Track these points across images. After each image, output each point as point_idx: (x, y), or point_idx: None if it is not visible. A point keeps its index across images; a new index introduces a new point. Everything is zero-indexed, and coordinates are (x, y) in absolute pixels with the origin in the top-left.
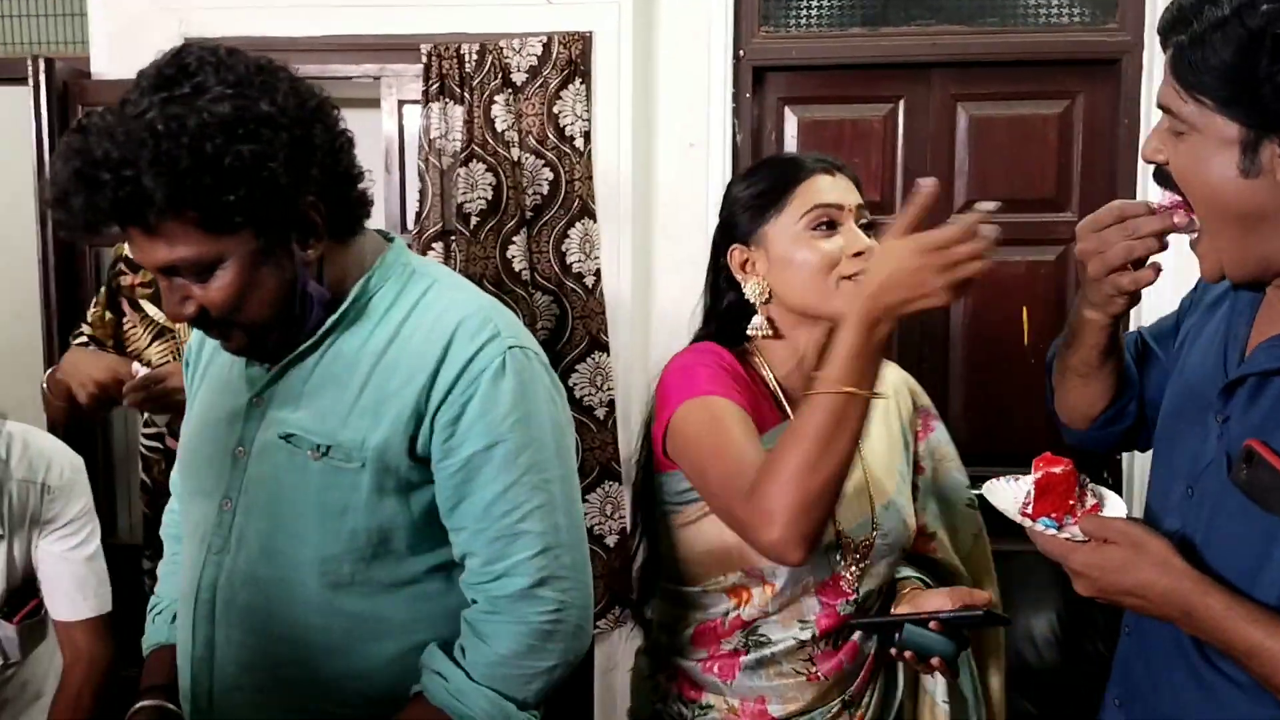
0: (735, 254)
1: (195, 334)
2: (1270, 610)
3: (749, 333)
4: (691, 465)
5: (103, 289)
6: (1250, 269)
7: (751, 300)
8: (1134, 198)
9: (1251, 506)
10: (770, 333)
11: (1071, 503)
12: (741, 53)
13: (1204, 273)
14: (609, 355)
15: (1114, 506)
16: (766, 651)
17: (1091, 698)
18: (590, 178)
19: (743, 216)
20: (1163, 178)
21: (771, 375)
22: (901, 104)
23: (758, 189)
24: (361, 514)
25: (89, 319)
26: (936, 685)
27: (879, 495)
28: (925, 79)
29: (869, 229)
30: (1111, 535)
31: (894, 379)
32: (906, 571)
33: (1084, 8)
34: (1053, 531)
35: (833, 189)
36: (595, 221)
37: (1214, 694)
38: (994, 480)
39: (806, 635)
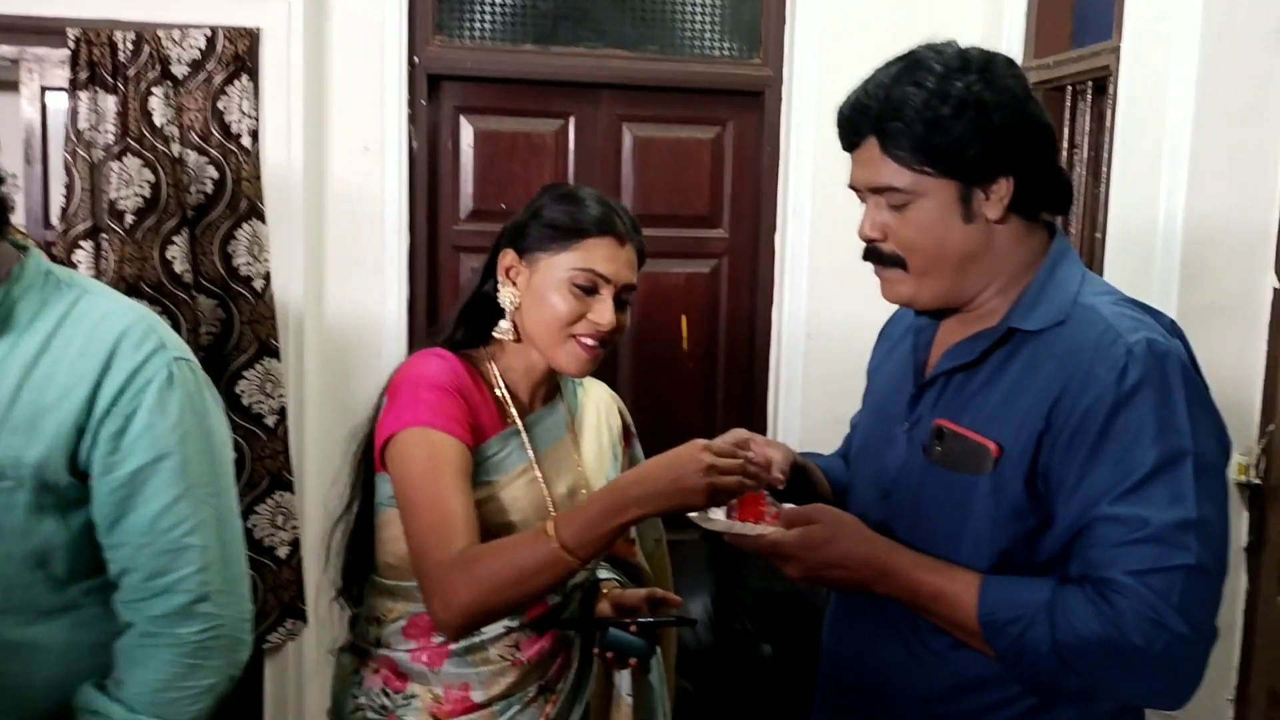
0: (507, 258)
1: None
2: (947, 562)
3: (495, 335)
4: (402, 496)
5: None
6: (945, 301)
7: (503, 305)
8: (776, 216)
9: (948, 475)
10: (514, 337)
11: (763, 508)
12: (416, 59)
13: (895, 299)
14: (279, 361)
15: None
16: (477, 639)
17: (740, 673)
18: (258, 177)
19: (533, 230)
20: (876, 254)
21: (501, 382)
22: (572, 121)
23: (557, 219)
24: (17, 536)
25: None
26: (622, 678)
27: None
28: (594, 98)
29: (623, 306)
30: (812, 515)
31: (603, 396)
32: (606, 573)
33: (732, 42)
34: (756, 529)
35: (611, 260)
36: (264, 223)
37: (924, 664)
38: (695, 514)
39: (515, 623)
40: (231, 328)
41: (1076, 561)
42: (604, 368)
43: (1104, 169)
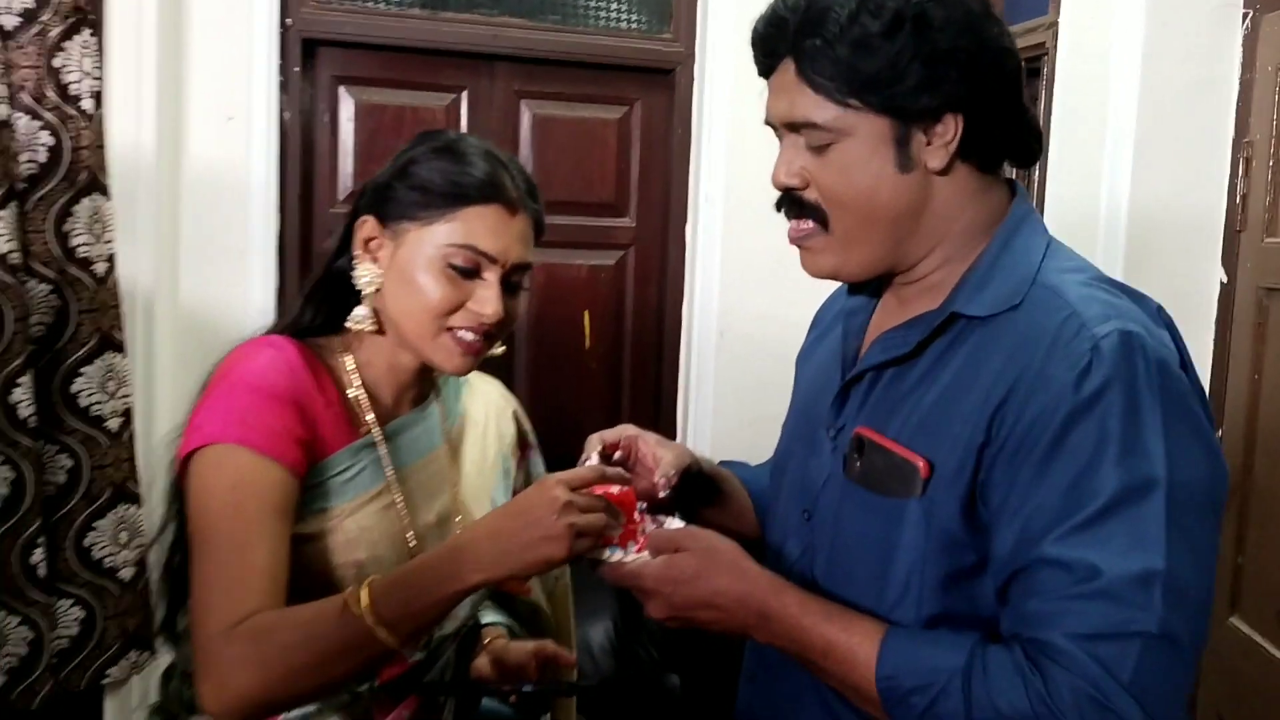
0: (367, 226)
1: None
2: (845, 608)
3: (349, 325)
4: (193, 534)
5: None
6: (878, 267)
7: (359, 284)
8: (687, 205)
9: (871, 499)
10: (374, 327)
11: (633, 527)
12: (289, 21)
13: (818, 272)
14: (124, 356)
15: (675, 525)
16: (312, 708)
17: (644, 706)
18: (101, 146)
19: (400, 191)
20: (793, 204)
21: (356, 379)
22: (464, 95)
23: (432, 180)
24: None
25: None
26: None
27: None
28: (489, 71)
29: (514, 290)
30: (681, 543)
31: (495, 398)
32: (491, 617)
33: (641, 15)
34: (619, 557)
35: (499, 234)
36: (108, 198)
37: None
38: None
39: (363, 686)
40: (67, 317)
41: (1009, 614)
42: (497, 365)
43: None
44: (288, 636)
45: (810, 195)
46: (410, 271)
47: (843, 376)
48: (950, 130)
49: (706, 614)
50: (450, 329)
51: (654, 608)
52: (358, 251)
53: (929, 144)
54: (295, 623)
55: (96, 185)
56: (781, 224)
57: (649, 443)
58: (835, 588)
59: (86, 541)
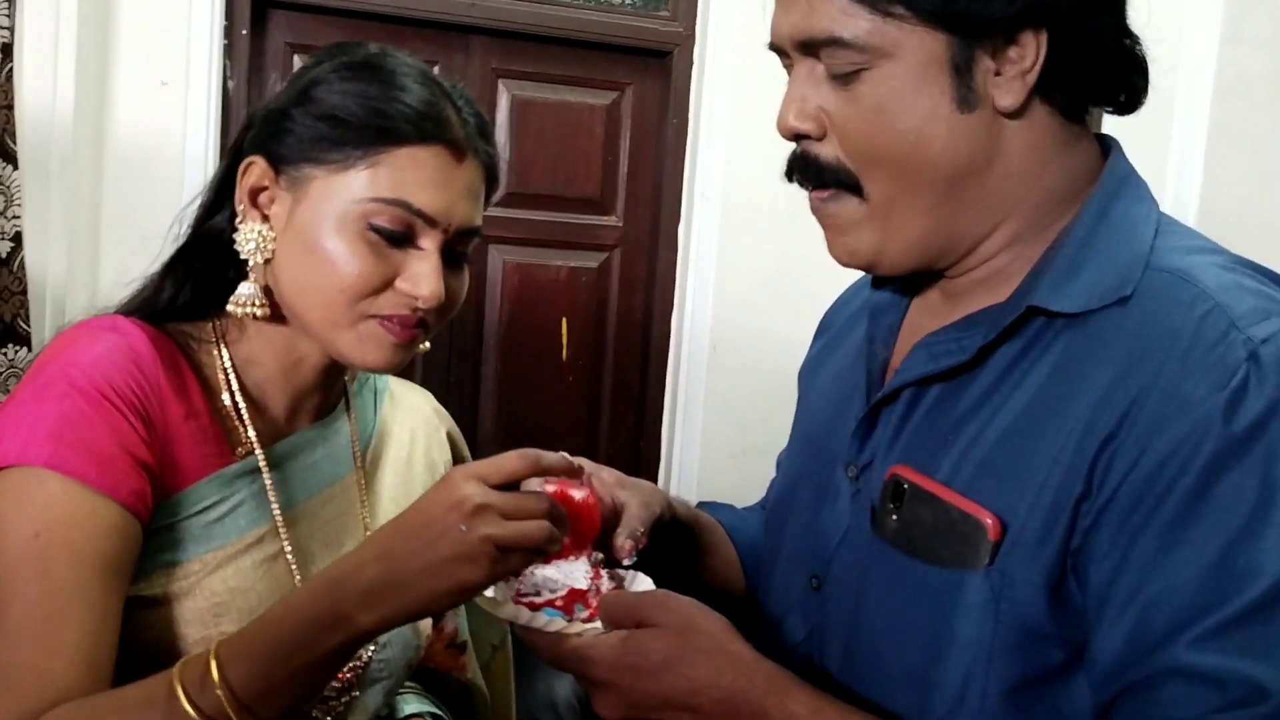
0: (254, 169)
1: None
2: (867, 713)
3: (229, 307)
4: None
5: None
6: (929, 250)
7: (240, 251)
8: (681, 203)
9: (913, 568)
10: (263, 311)
11: (584, 589)
12: None
13: (852, 258)
14: (29, 351)
15: (642, 584)
16: None
17: None
18: (10, 107)
19: (301, 123)
20: (806, 165)
21: (234, 382)
22: (435, 71)
23: (346, 105)
24: None
25: None
26: None
27: None
28: (464, 45)
29: (459, 263)
30: (648, 615)
31: (425, 413)
32: (414, 706)
33: None
34: (559, 625)
35: (441, 189)
36: (16, 168)
37: None
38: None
39: None
40: None
41: None
42: (460, 379)
43: None
44: None
45: (827, 150)
46: (315, 235)
47: (869, 396)
48: (1030, 54)
49: (677, 717)
50: (373, 315)
51: (605, 704)
52: (241, 206)
53: (998, 73)
54: (116, 709)
55: (3, 151)
56: (787, 227)
57: (605, 483)
58: (859, 686)
59: None
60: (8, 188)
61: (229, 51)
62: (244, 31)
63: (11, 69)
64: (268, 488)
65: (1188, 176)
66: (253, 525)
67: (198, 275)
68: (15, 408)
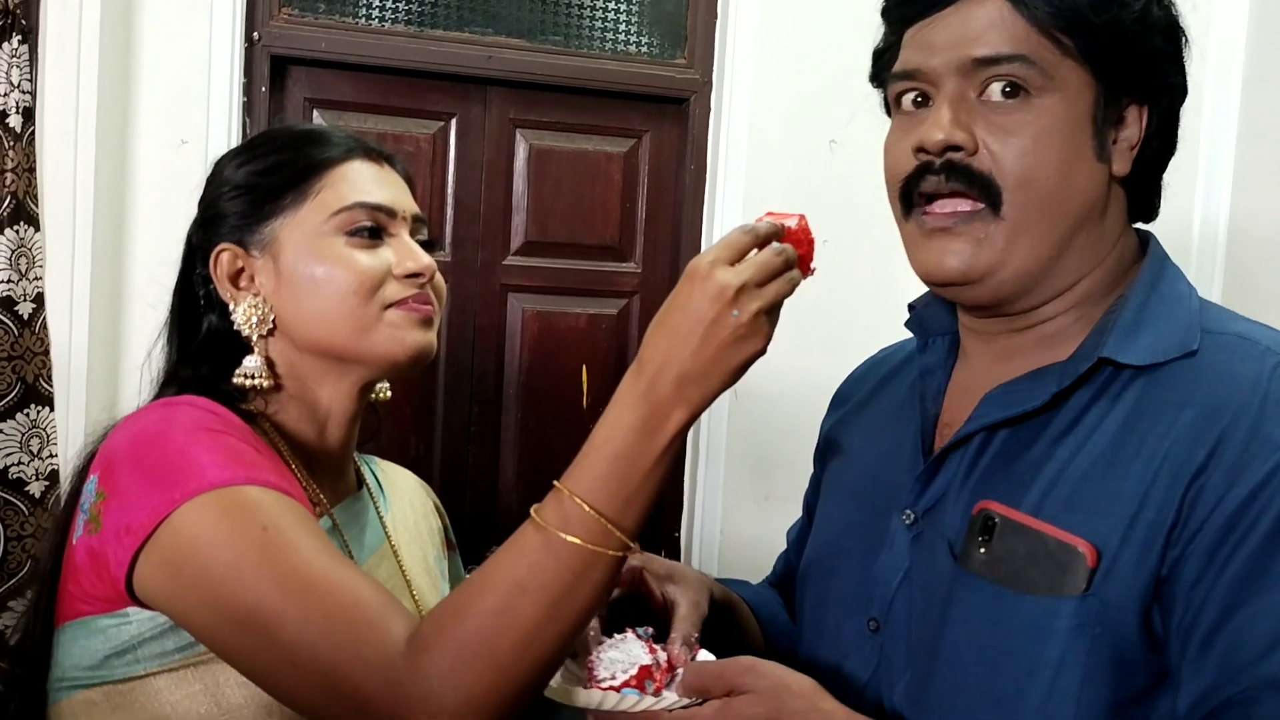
0: (224, 259)
1: None
2: None
3: (236, 380)
4: (224, 608)
5: None
6: (1031, 279)
7: (244, 331)
8: (700, 250)
9: (1004, 597)
10: (270, 382)
11: (649, 664)
12: (257, 36)
13: (966, 266)
14: (52, 411)
15: (703, 655)
16: None
17: None
18: (32, 170)
19: (236, 204)
20: (957, 172)
21: (285, 451)
22: (454, 123)
23: (268, 167)
24: None
25: None
26: None
27: None
28: (481, 97)
29: (429, 247)
30: (737, 681)
31: (412, 486)
32: None
33: (652, 38)
34: (631, 703)
35: (382, 184)
36: (38, 230)
37: None
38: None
39: None
40: None
41: None
42: (480, 429)
43: None
44: (487, 600)
45: (981, 164)
46: (308, 267)
47: (925, 446)
48: (1135, 129)
49: None
50: (389, 304)
51: None
52: (227, 292)
53: (1115, 141)
54: (485, 588)
55: (24, 214)
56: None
57: (657, 575)
58: (936, 717)
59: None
60: (30, 250)
61: (248, 109)
62: (263, 89)
63: (33, 132)
64: (345, 545)
65: (1217, 194)
66: None
67: (210, 362)
68: (166, 463)
